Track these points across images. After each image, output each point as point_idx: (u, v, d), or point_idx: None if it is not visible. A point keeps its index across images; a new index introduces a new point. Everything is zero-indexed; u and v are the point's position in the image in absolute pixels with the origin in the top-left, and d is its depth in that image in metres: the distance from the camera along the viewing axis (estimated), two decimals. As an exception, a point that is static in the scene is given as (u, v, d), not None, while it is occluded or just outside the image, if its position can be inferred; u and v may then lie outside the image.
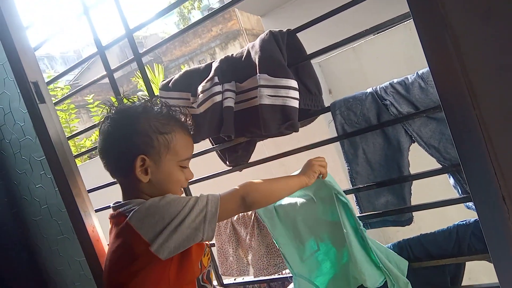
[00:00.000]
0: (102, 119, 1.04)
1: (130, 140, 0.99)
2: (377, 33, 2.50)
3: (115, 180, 1.05)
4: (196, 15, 17.66)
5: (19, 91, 1.30)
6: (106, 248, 1.27)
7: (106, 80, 1.56)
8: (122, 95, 1.06)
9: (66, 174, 1.23)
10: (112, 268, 0.98)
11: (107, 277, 1.00)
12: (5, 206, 1.52)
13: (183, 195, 1.26)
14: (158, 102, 1.06)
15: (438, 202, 1.05)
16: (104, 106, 1.07)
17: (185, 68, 1.48)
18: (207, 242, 1.14)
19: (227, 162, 1.46)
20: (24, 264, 1.56)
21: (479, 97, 0.65)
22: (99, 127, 1.04)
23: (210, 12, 1.58)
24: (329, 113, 1.23)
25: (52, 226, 1.39)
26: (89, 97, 6.99)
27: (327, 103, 1.25)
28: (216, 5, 16.91)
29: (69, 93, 1.63)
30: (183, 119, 1.08)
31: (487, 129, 0.67)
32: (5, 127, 1.41)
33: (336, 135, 1.22)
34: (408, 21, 2.20)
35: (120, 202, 1.02)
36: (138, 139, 0.99)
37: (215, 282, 1.52)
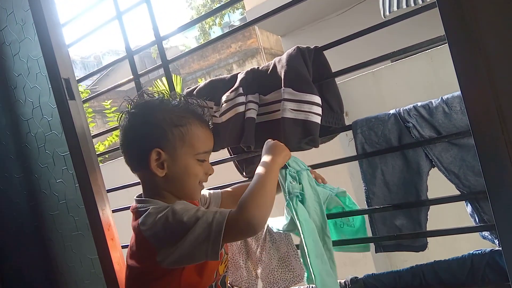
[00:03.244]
0: (122, 114, 1.06)
1: (145, 133, 1.01)
2: (397, 60, 2.53)
3: (135, 175, 1.06)
4: (216, 31, 17.98)
5: (50, 86, 1.35)
6: (119, 248, 1.28)
7: (124, 87, 1.60)
8: (142, 90, 1.08)
9: (88, 171, 1.26)
10: (133, 257, 1.00)
11: (129, 264, 1.02)
12: (24, 198, 1.55)
13: (204, 192, 1.26)
14: (177, 97, 1.07)
15: (457, 229, 1.04)
16: (119, 114, 1.08)
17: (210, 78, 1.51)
18: (226, 250, 1.15)
19: (244, 173, 1.48)
20: (36, 258, 1.58)
21: (508, 123, 0.66)
22: (119, 123, 1.06)
23: (230, 29, 1.63)
24: (345, 134, 1.25)
25: (68, 222, 1.41)
26: (107, 102, 7.10)
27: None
28: (237, 22, 17.23)
29: (97, 93, 1.68)
30: (203, 113, 1.08)
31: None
32: (32, 121, 1.45)
33: (351, 155, 1.23)
34: (429, 50, 2.23)
35: (141, 197, 1.04)
36: (153, 132, 1.00)
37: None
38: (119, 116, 1.06)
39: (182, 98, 1.06)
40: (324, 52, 1.25)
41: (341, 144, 2.15)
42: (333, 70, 1.25)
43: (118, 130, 1.08)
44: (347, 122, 1.26)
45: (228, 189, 1.33)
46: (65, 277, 1.48)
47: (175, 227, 0.88)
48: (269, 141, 1.10)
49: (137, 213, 0.99)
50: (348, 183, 2.52)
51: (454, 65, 0.77)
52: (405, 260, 2.63)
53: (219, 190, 1.31)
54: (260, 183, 0.94)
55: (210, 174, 1.09)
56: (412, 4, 3.86)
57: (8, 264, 1.70)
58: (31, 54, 1.42)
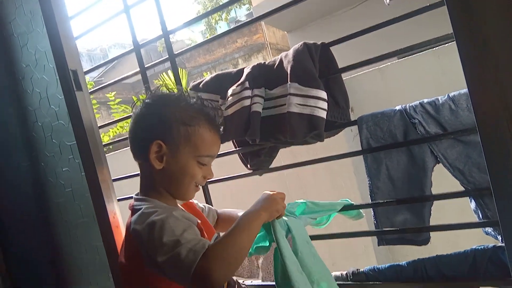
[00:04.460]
0: (137, 102, 1.07)
1: (152, 124, 1.01)
2: (404, 57, 2.52)
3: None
4: (222, 26, 17.95)
5: (57, 77, 1.36)
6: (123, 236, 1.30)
7: (130, 80, 1.62)
8: (163, 83, 1.09)
9: (94, 160, 1.27)
10: (122, 255, 1.01)
11: (120, 261, 1.03)
12: (30, 186, 1.57)
13: (201, 204, 1.27)
14: (194, 96, 1.07)
15: (460, 224, 1.05)
16: (125, 106, 1.08)
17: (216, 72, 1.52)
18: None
19: (249, 166, 1.49)
20: (42, 244, 1.60)
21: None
22: (132, 109, 1.07)
23: (237, 24, 1.64)
24: (350, 129, 1.25)
25: (73, 210, 1.43)
26: (111, 94, 7.12)
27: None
28: (243, 18, 17.19)
29: (104, 85, 1.69)
30: (215, 117, 1.07)
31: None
32: (39, 111, 1.47)
33: (355, 150, 1.24)
34: (437, 48, 2.22)
35: (138, 196, 1.05)
36: (160, 124, 1.00)
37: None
38: (133, 104, 1.07)
39: (199, 100, 1.06)
40: (330, 47, 1.25)
41: (346, 139, 2.16)
42: (340, 66, 1.25)
43: (123, 121, 1.09)
44: (353, 118, 1.26)
45: (222, 212, 1.30)
46: (70, 264, 1.51)
47: (155, 241, 0.86)
48: (265, 193, 1.05)
49: (133, 211, 1.00)
50: (352, 178, 2.53)
51: (462, 62, 0.77)
52: (406, 254, 2.64)
53: (215, 210, 1.29)
54: (234, 236, 0.90)
55: (208, 179, 1.08)
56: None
57: (14, 250, 1.72)
58: (39, 45, 1.43)
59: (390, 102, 1.43)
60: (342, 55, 1.24)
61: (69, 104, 1.33)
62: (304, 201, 1.19)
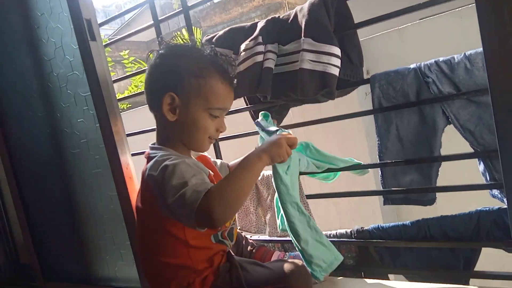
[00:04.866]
0: (151, 53, 1.07)
1: (165, 75, 1.01)
2: (424, 18, 2.42)
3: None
4: (240, -17, 17.36)
5: (72, 27, 1.36)
6: (137, 187, 1.34)
7: (145, 38, 1.60)
8: (178, 35, 1.08)
9: (108, 111, 1.29)
10: (139, 200, 1.06)
11: (136, 206, 1.07)
12: (47, 136, 1.61)
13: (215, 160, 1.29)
14: (208, 48, 1.06)
15: (466, 186, 1.05)
16: (137, 63, 1.08)
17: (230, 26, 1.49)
18: None
19: (259, 123, 1.49)
20: (57, 193, 1.67)
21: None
22: (147, 61, 1.07)
23: None
24: (363, 91, 1.24)
25: (88, 160, 1.47)
26: (125, 52, 7.08)
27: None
28: (261, -25, 16.55)
29: (118, 38, 1.69)
30: (228, 69, 1.06)
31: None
32: (55, 61, 1.48)
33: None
34: (459, 9, 2.13)
35: (155, 144, 1.08)
36: (172, 76, 1.00)
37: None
38: (148, 55, 1.07)
39: (213, 51, 1.05)
40: (348, 3, 1.21)
41: (358, 99, 2.13)
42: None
43: (138, 81, 1.10)
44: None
45: (234, 163, 1.33)
46: (86, 212, 1.57)
47: (166, 184, 0.89)
48: (275, 135, 1.06)
49: (148, 158, 1.03)
50: (363, 142, 2.52)
51: (479, 19, 0.75)
52: (413, 218, 2.67)
53: (226, 164, 1.32)
54: (234, 176, 0.94)
55: (222, 132, 1.09)
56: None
57: (32, 198, 1.80)
58: (53, -7, 1.42)
59: (407, 64, 1.40)
60: (359, 16, 1.20)
61: (83, 54, 1.33)
62: (308, 142, 1.21)
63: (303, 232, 1.05)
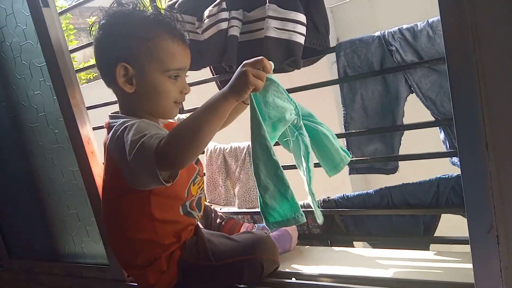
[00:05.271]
0: (94, 26, 1.00)
1: (111, 46, 0.96)
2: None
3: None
4: None
5: (22, -9, 1.27)
6: (100, 162, 1.30)
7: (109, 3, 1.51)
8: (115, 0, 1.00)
9: (65, 83, 1.23)
10: (104, 173, 1.03)
11: (103, 180, 1.05)
12: (3, 110, 1.54)
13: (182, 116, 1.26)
14: (149, 7, 1.00)
15: (425, 154, 1.07)
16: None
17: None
18: (200, 173, 1.16)
19: (226, 94, 1.46)
20: (18, 169, 1.61)
21: (482, 41, 0.65)
22: (91, 34, 1.01)
23: None
24: (331, 57, 1.21)
25: (48, 134, 1.41)
26: (91, 19, 6.75)
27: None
28: None
29: (75, 4, 1.58)
30: (176, 25, 1.00)
31: (484, 75, 0.67)
32: (6, 29, 1.39)
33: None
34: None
35: (115, 113, 1.03)
36: (119, 45, 0.94)
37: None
38: (90, 27, 1.00)
39: (155, 10, 0.99)
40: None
41: (328, 69, 2.11)
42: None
43: None
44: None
45: None
46: (48, 189, 1.53)
47: (126, 142, 0.85)
48: (240, 67, 0.91)
49: (109, 128, 0.98)
50: (334, 112, 2.53)
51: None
52: (380, 186, 2.75)
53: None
54: (192, 118, 0.86)
55: (186, 93, 1.04)
56: None
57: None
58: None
59: (376, 30, 1.38)
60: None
61: (36, 21, 1.25)
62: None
63: (265, 178, 0.92)
